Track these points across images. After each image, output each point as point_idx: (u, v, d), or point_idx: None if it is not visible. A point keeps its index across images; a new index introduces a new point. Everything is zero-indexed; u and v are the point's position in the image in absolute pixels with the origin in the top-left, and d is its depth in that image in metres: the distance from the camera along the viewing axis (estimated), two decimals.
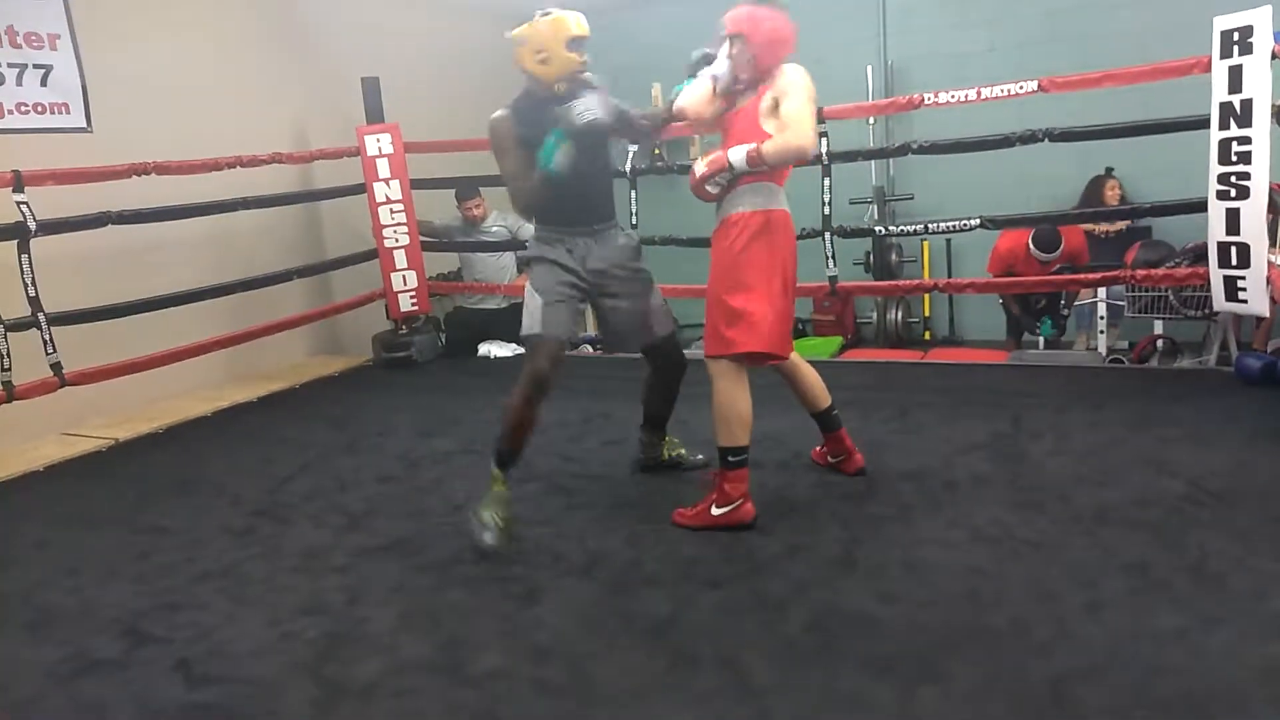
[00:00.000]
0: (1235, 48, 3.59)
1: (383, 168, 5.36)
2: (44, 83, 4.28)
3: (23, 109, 4.21)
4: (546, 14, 2.79)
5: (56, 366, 3.96)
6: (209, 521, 3.17)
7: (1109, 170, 5.32)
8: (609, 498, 3.12)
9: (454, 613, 2.42)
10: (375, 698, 2.06)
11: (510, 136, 2.81)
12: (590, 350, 6.32)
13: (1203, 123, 3.77)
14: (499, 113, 2.84)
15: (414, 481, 3.45)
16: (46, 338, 3.91)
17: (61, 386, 3.99)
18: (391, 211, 5.41)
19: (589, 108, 2.67)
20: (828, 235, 4.74)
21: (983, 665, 2.00)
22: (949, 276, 6.15)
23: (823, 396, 3.06)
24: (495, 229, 5.72)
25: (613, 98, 2.91)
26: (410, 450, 3.81)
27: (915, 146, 4.66)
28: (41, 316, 3.89)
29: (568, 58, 2.77)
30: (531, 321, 2.83)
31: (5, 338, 3.77)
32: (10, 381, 3.80)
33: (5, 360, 3.78)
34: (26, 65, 4.21)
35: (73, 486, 3.70)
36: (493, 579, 2.59)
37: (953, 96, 4.41)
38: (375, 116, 5.45)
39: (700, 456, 3.33)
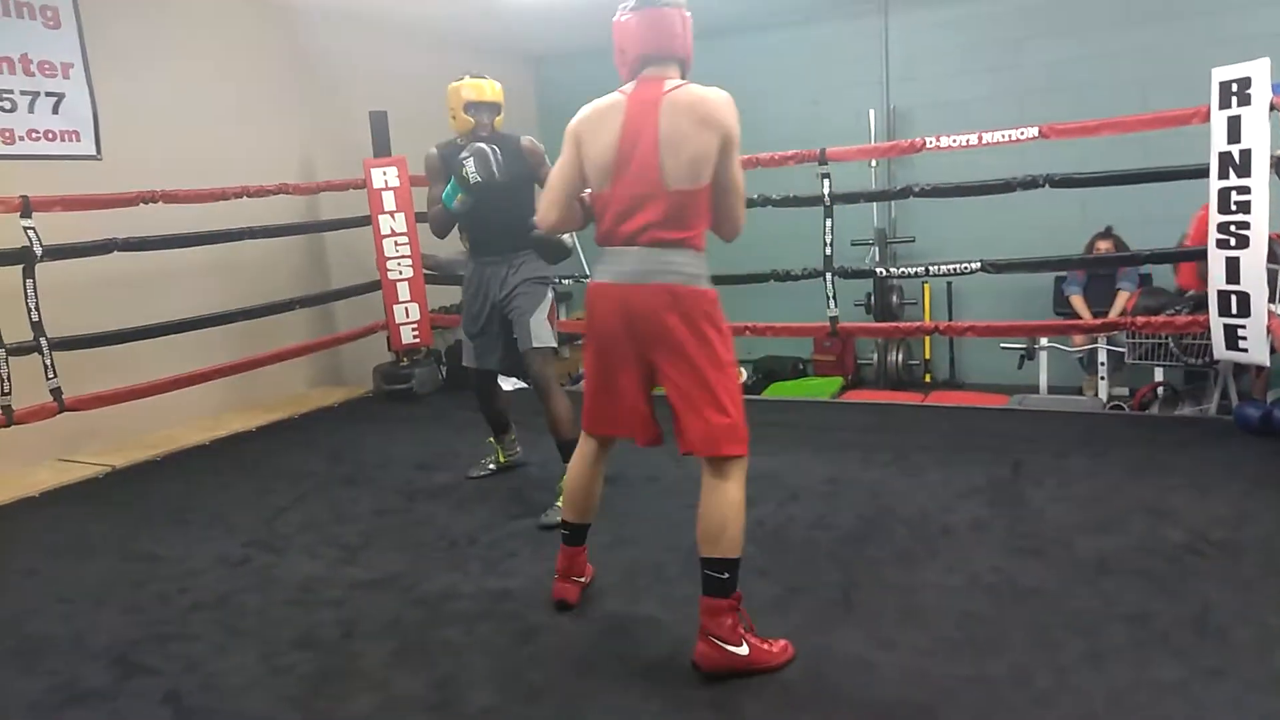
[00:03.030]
0: (1234, 99, 3.64)
1: (388, 200, 5.40)
2: (55, 110, 4.33)
3: (34, 136, 4.25)
4: (460, 80, 3.40)
5: (56, 391, 3.96)
6: (204, 551, 3.15)
7: (1108, 229, 5.35)
8: (606, 535, 3.09)
9: (448, 649, 2.39)
10: None
11: (434, 169, 3.47)
12: None
13: (1202, 172, 3.80)
14: (431, 149, 3.50)
15: (411, 515, 3.44)
16: (47, 362, 3.91)
17: (61, 411, 3.98)
18: (396, 244, 5.44)
19: (476, 168, 3.11)
20: (829, 276, 4.77)
21: (982, 714, 1.98)
22: (950, 319, 6.17)
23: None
24: None
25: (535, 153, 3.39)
26: (408, 483, 3.80)
27: (917, 189, 4.70)
28: (43, 341, 3.89)
29: (464, 119, 3.39)
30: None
31: (6, 361, 3.78)
32: (10, 406, 3.80)
33: (5, 384, 3.78)
34: (39, 93, 4.26)
35: (68, 513, 3.68)
36: (488, 615, 2.57)
37: (954, 141, 4.46)
38: (382, 150, 5.50)
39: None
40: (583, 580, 2.64)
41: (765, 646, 2.20)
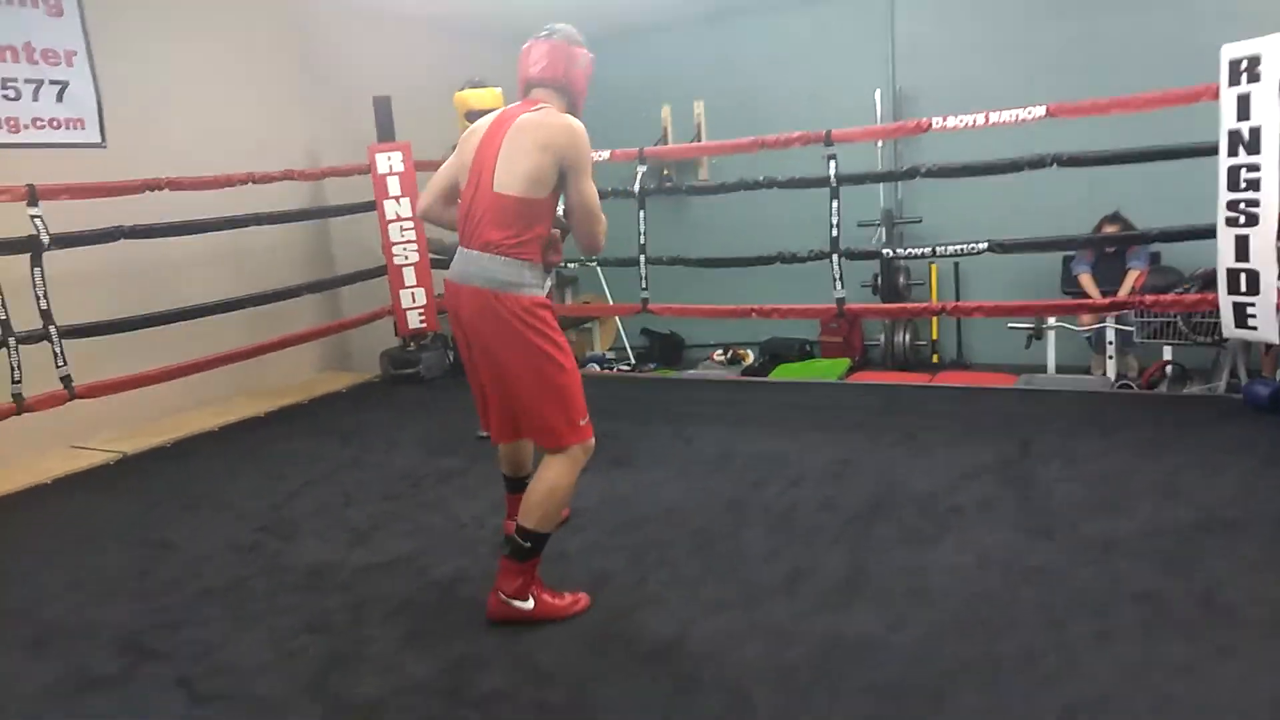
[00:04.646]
0: (1244, 76, 3.60)
1: (393, 185, 5.39)
2: (60, 98, 4.33)
3: (38, 124, 4.25)
4: (462, 89, 3.55)
5: (66, 379, 3.98)
6: (214, 537, 3.17)
7: (1115, 213, 5.31)
8: (612, 520, 3.11)
9: (457, 633, 2.41)
10: (377, 718, 2.05)
11: None
12: (598, 369, 6.33)
13: (1211, 150, 3.77)
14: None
15: (419, 498, 3.45)
16: (57, 350, 3.93)
17: (71, 399, 4.00)
18: (401, 229, 5.44)
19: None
20: (836, 257, 4.75)
21: (991, 694, 1.98)
22: (957, 300, 6.15)
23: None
24: None
25: None
26: (416, 467, 3.81)
27: (924, 170, 4.68)
28: (53, 329, 3.91)
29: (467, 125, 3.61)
30: None
31: (17, 349, 3.79)
32: (20, 394, 3.82)
33: (16, 372, 3.79)
34: (43, 81, 4.26)
35: (79, 500, 3.71)
36: None
37: (961, 121, 4.43)
38: (387, 135, 5.48)
39: None
40: None
41: (554, 600, 2.44)
